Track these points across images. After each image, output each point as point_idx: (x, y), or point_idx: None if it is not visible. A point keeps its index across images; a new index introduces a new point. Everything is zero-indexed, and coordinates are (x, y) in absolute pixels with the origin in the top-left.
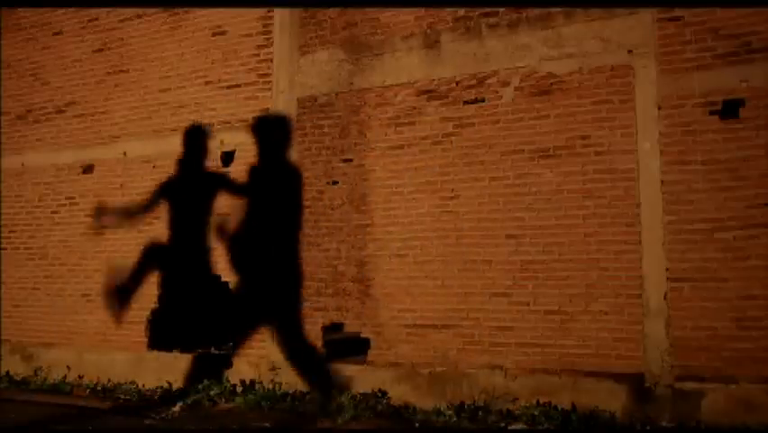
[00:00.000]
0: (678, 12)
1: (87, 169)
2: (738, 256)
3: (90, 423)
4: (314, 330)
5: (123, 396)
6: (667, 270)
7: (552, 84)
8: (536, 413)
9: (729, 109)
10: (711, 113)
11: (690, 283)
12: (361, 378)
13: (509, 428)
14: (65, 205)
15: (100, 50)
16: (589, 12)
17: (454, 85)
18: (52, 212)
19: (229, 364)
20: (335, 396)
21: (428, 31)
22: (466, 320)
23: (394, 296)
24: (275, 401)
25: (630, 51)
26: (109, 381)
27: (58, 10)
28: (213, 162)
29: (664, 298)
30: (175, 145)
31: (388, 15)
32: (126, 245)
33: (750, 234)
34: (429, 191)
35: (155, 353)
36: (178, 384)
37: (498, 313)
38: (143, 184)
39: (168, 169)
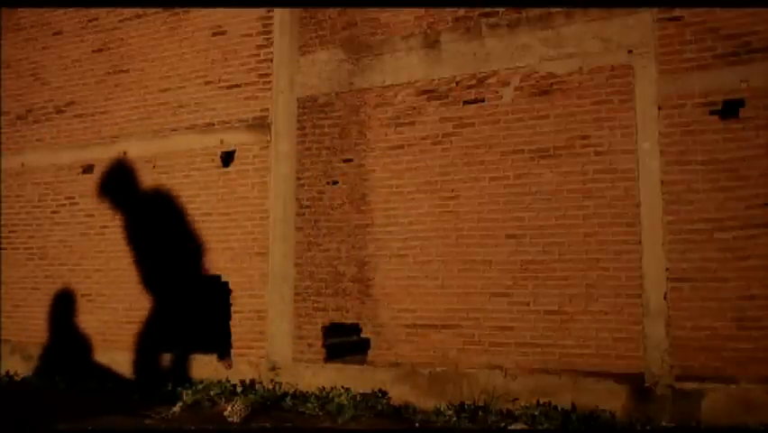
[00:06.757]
0: (678, 12)
1: (87, 169)
2: (738, 256)
3: (90, 423)
4: (314, 330)
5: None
6: (667, 270)
7: (552, 84)
8: (536, 413)
9: (729, 109)
10: (711, 113)
11: (690, 283)
12: (360, 378)
13: (509, 428)
14: (65, 205)
15: (100, 50)
16: (588, 12)
17: (454, 85)
18: (52, 212)
19: (229, 365)
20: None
21: (428, 31)
22: (466, 320)
23: (394, 296)
24: (275, 401)
25: (630, 51)
26: None
27: (58, 10)
28: (213, 162)
29: (664, 298)
30: (175, 145)
31: (387, 15)
32: (126, 246)
33: (750, 234)
34: (429, 191)
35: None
36: (177, 384)
37: (498, 313)
38: (143, 184)
39: (168, 169)
